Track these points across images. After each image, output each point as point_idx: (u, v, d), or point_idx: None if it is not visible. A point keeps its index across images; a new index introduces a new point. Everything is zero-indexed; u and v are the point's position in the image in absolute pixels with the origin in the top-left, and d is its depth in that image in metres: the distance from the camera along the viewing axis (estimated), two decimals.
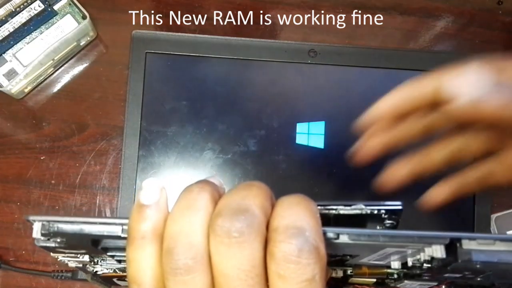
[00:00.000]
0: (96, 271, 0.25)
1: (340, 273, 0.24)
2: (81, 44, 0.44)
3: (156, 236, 0.18)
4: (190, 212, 0.18)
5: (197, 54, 0.42)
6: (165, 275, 0.17)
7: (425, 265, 0.20)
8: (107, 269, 0.24)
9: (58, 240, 0.18)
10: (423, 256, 0.19)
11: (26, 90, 0.43)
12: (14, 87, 0.42)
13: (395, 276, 0.24)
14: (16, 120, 0.43)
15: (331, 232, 0.18)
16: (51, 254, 0.20)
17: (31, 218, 0.18)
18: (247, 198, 0.18)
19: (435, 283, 0.24)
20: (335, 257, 0.21)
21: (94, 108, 0.44)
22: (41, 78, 0.44)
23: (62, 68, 0.45)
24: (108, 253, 0.21)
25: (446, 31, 0.47)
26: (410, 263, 0.20)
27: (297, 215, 0.17)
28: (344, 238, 0.18)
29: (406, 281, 0.24)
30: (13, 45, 0.41)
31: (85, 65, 0.45)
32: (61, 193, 0.42)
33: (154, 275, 0.18)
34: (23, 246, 0.41)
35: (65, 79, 0.44)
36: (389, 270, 0.23)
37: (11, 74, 0.41)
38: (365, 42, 0.46)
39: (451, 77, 0.24)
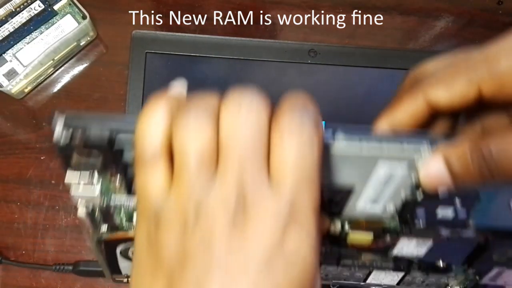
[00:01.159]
0: (102, 233, 0.24)
1: (338, 227, 0.24)
2: (81, 44, 0.44)
3: (170, 101, 0.20)
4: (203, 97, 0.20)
5: (197, 54, 0.42)
6: (175, 129, 0.18)
7: (418, 196, 0.21)
8: (114, 205, 0.24)
9: (78, 137, 0.19)
10: (414, 179, 0.20)
11: (26, 90, 0.43)
12: (14, 87, 0.42)
13: (391, 229, 0.24)
14: (16, 120, 0.43)
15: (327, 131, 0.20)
16: (67, 171, 0.21)
17: (56, 115, 0.19)
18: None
19: (430, 239, 0.24)
20: (331, 201, 0.22)
21: (94, 108, 0.44)
22: (41, 78, 0.44)
23: (62, 68, 0.45)
24: (123, 159, 0.21)
25: (446, 31, 0.47)
26: (403, 196, 0.21)
27: (300, 105, 0.20)
28: (339, 138, 0.20)
29: (402, 239, 0.24)
30: (13, 45, 0.42)
31: (85, 65, 0.45)
32: (61, 193, 0.42)
33: (161, 141, 0.18)
34: (23, 246, 0.41)
35: (65, 79, 0.44)
36: (385, 225, 0.24)
37: (11, 74, 0.41)
38: (365, 42, 0.46)
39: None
